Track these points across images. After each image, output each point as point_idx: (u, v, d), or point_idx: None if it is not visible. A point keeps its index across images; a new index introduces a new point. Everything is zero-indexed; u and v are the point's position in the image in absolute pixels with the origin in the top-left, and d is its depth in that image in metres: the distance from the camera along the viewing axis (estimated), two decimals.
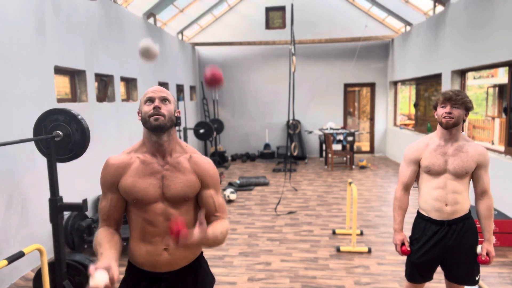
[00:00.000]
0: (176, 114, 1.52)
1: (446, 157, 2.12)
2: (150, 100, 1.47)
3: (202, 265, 1.64)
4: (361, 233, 4.44)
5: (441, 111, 2.08)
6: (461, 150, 2.11)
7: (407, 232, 2.31)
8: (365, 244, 4.13)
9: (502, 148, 5.43)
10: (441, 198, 2.14)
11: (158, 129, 1.45)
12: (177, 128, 8.51)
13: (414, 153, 2.21)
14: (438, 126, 2.16)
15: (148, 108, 1.46)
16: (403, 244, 2.27)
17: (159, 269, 1.52)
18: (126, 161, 1.51)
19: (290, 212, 5.35)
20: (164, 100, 1.48)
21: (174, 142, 1.53)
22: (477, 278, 2.21)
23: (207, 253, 3.99)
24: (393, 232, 2.31)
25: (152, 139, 1.49)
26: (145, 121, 1.46)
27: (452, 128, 2.08)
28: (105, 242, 1.43)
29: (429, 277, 2.28)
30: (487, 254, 2.13)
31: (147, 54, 1.66)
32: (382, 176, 7.58)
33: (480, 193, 2.18)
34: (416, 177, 2.27)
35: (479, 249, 2.16)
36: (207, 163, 1.57)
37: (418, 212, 2.29)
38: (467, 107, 2.07)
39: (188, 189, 1.50)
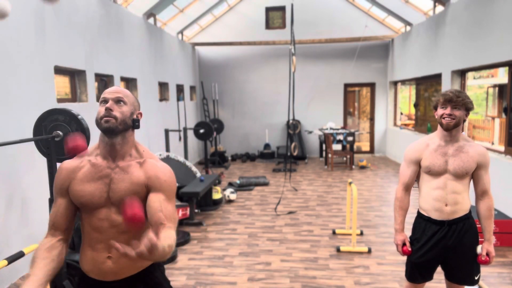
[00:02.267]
0: (134, 117, 1.46)
1: (447, 157, 2.12)
2: (104, 101, 1.42)
3: (154, 273, 1.53)
4: (361, 233, 4.43)
5: (441, 112, 2.08)
6: (462, 151, 2.11)
7: (408, 232, 2.31)
8: (365, 244, 4.13)
9: (502, 148, 5.43)
10: (441, 198, 2.14)
11: (108, 132, 1.40)
12: (175, 131, 8.35)
13: (415, 154, 2.21)
14: (439, 127, 2.16)
15: (101, 109, 1.41)
16: (404, 244, 2.27)
17: (104, 278, 1.46)
18: (76, 165, 1.47)
19: (290, 212, 5.35)
20: (118, 101, 1.42)
21: (129, 146, 1.47)
22: (476, 278, 2.21)
23: (207, 253, 3.99)
24: (394, 232, 2.30)
25: (104, 141, 1.44)
26: (97, 122, 1.41)
27: (452, 129, 2.08)
28: (40, 259, 1.37)
29: (429, 277, 2.28)
30: (487, 254, 2.13)
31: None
32: (382, 176, 7.58)
33: (481, 193, 2.18)
34: (417, 177, 2.27)
35: (479, 249, 2.16)
36: (159, 168, 1.46)
37: (418, 212, 2.29)
38: (468, 108, 2.06)
39: (132, 194, 1.41)
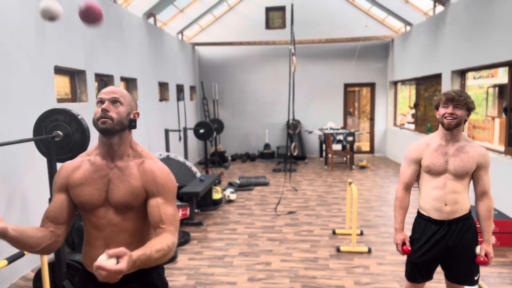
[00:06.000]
0: (131, 117, 1.47)
1: (447, 157, 2.12)
2: (101, 101, 1.42)
3: (151, 274, 1.54)
4: (361, 233, 4.43)
5: (443, 111, 2.08)
6: (462, 151, 2.11)
7: (408, 232, 2.31)
8: (365, 244, 4.13)
9: (502, 148, 5.43)
10: (440, 198, 2.14)
11: (104, 132, 1.41)
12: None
13: (415, 153, 2.21)
14: (440, 126, 2.16)
15: (97, 110, 1.41)
16: (404, 243, 2.27)
17: None
18: (77, 164, 1.50)
19: (290, 212, 5.35)
20: (115, 102, 1.42)
21: (126, 146, 1.48)
22: (476, 278, 2.21)
23: (207, 253, 3.99)
24: (394, 232, 2.30)
25: (103, 141, 1.46)
26: (94, 123, 1.41)
27: (453, 129, 2.08)
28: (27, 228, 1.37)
29: (429, 277, 2.28)
30: (486, 255, 2.13)
31: (47, 14, 1.47)
32: (382, 176, 7.58)
33: (480, 194, 2.17)
34: (417, 177, 2.27)
35: (478, 250, 2.16)
36: (157, 170, 1.46)
37: (418, 212, 2.29)
38: (469, 108, 2.06)
39: (130, 196, 1.42)
